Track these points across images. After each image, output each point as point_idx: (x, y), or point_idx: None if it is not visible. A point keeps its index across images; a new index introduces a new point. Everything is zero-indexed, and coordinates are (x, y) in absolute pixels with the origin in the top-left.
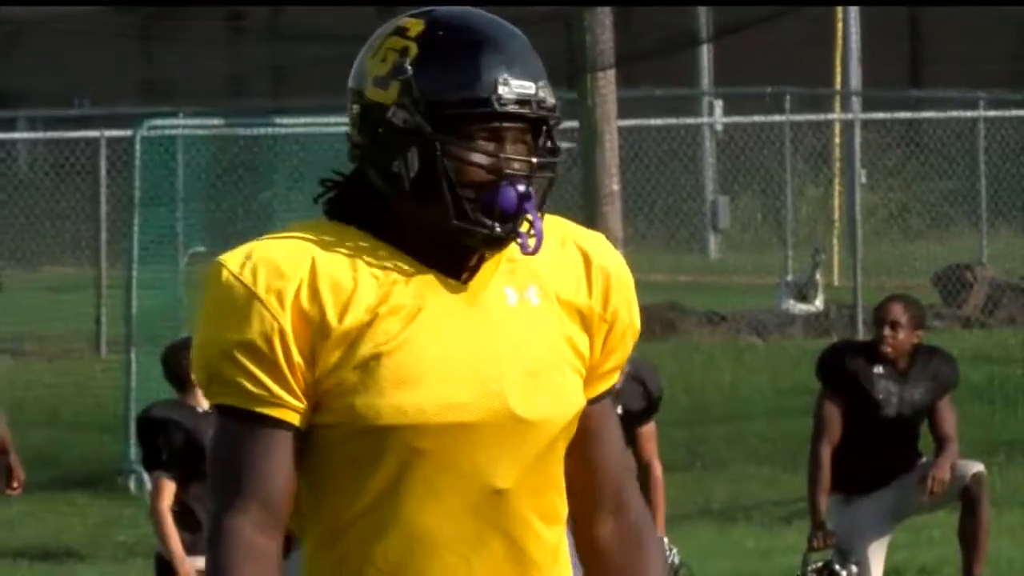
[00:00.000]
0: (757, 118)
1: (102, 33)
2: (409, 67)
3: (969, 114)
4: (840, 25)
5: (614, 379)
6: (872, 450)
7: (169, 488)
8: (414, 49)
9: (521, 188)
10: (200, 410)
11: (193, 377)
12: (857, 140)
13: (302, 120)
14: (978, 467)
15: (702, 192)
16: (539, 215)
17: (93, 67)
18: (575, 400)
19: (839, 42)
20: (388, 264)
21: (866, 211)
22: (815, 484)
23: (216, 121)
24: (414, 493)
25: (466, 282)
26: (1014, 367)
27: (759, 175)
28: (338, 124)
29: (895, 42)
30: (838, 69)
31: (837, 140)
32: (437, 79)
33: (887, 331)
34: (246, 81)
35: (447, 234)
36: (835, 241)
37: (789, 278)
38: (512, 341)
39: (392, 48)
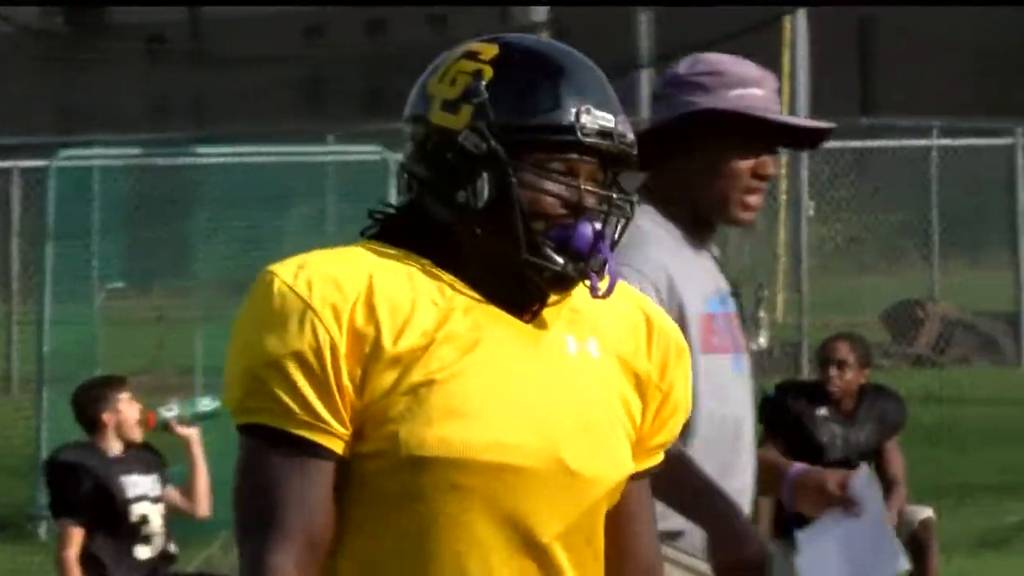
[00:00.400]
0: None
1: (16, 59)
2: (484, 89)
3: (922, 143)
4: (787, 51)
5: (658, 458)
6: None
7: (76, 535)
8: (489, 72)
9: (598, 226)
10: (111, 455)
11: (225, 396)
12: (804, 170)
13: (225, 150)
14: (927, 512)
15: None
16: (613, 257)
17: (5, 94)
18: (626, 463)
19: (786, 68)
20: (448, 290)
21: (813, 244)
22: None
23: (134, 151)
24: (453, 534)
25: (528, 322)
26: (965, 408)
27: None
28: (264, 154)
29: (845, 68)
30: (785, 96)
31: (784, 170)
32: (515, 103)
33: (833, 371)
34: (167, 109)
35: (514, 269)
36: (780, 276)
37: None
38: (570, 391)
39: (463, 71)
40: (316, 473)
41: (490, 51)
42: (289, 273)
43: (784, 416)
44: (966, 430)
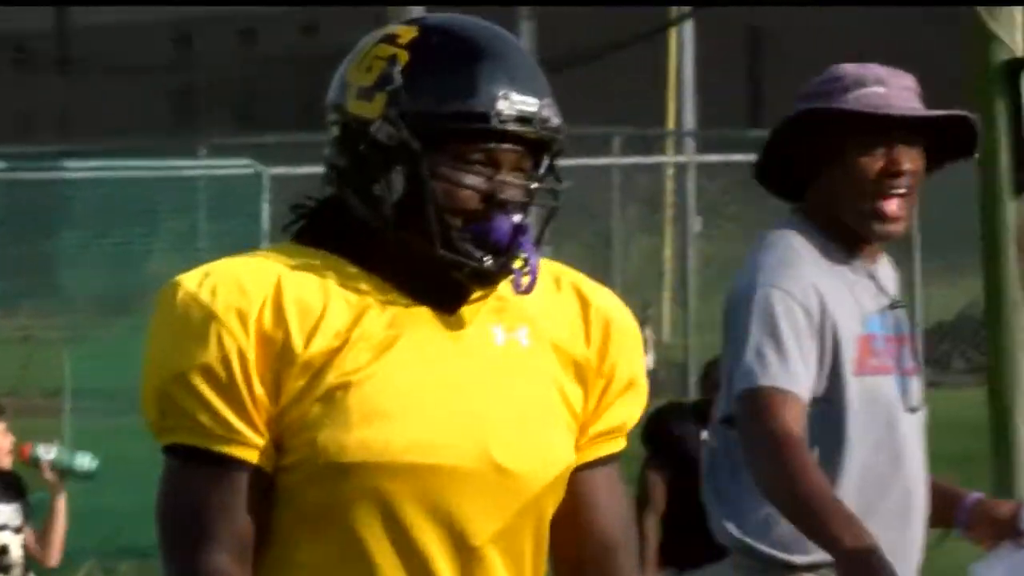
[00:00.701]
0: (583, 160)
1: None
2: (398, 76)
3: None
4: (674, 61)
5: (613, 446)
6: (702, 522)
7: None
8: (404, 57)
9: (516, 218)
10: None
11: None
12: (691, 184)
13: (93, 164)
14: None
15: None
16: (535, 250)
17: None
18: (563, 456)
19: (672, 79)
20: (363, 288)
21: (700, 262)
22: (641, 560)
23: None
24: (382, 543)
25: (450, 315)
26: None
27: (584, 222)
28: (133, 168)
29: (733, 79)
30: (671, 108)
31: (670, 185)
32: (429, 90)
33: None
34: (32, 121)
35: (433, 265)
36: (665, 294)
37: None
38: (497, 384)
39: (379, 56)
40: (237, 485)
41: (408, 34)
42: (193, 282)
43: (667, 439)
44: None
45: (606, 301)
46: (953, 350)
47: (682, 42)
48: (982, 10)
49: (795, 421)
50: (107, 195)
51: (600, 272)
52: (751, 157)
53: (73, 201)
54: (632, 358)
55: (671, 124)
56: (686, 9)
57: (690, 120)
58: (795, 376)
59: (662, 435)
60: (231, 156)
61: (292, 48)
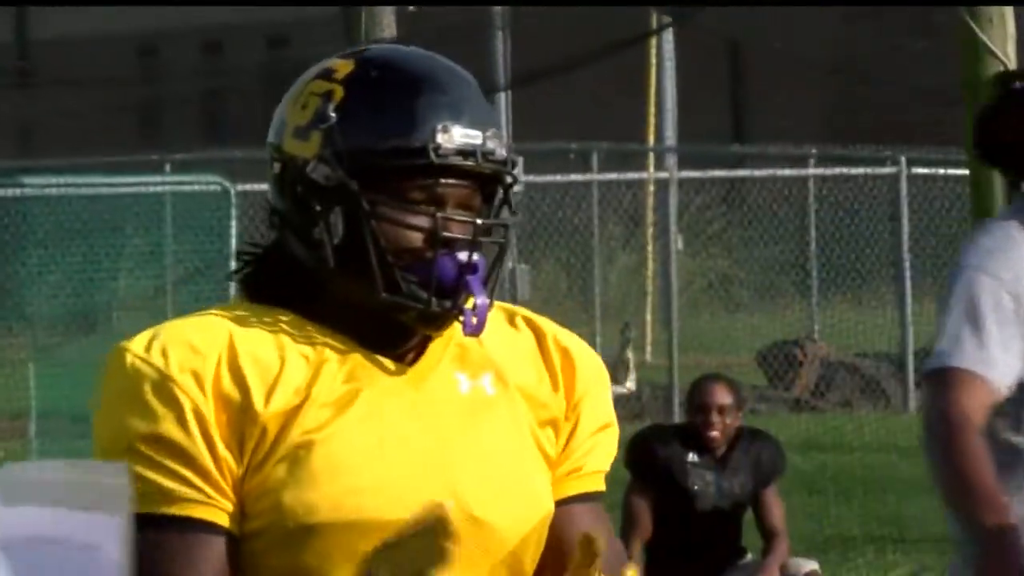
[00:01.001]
0: (561, 177)
1: None
2: (332, 113)
3: (798, 172)
4: (654, 73)
5: (592, 484)
6: (688, 547)
7: None
8: (339, 92)
9: (462, 257)
10: None
11: None
12: (673, 201)
13: (55, 180)
14: (811, 566)
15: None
16: (484, 290)
17: None
18: (542, 503)
19: (653, 92)
20: (317, 341)
21: (683, 280)
22: None
23: None
24: None
25: (410, 364)
26: (849, 455)
27: (563, 240)
28: (97, 184)
29: (715, 93)
30: (652, 122)
31: (651, 201)
32: (365, 126)
33: (714, 417)
34: None
35: (377, 309)
36: (648, 314)
37: None
38: (465, 433)
39: (315, 93)
40: (205, 548)
41: (345, 68)
42: (140, 346)
43: (652, 463)
44: (849, 480)
45: (572, 343)
46: None
47: (662, 54)
48: (972, 22)
49: (976, 405)
50: (71, 212)
51: (580, 292)
52: (734, 173)
53: (35, 219)
54: (597, 393)
55: (651, 139)
56: (666, 19)
57: (671, 135)
58: (991, 361)
59: (646, 459)
60: (198, 172)
61: (260, 61)
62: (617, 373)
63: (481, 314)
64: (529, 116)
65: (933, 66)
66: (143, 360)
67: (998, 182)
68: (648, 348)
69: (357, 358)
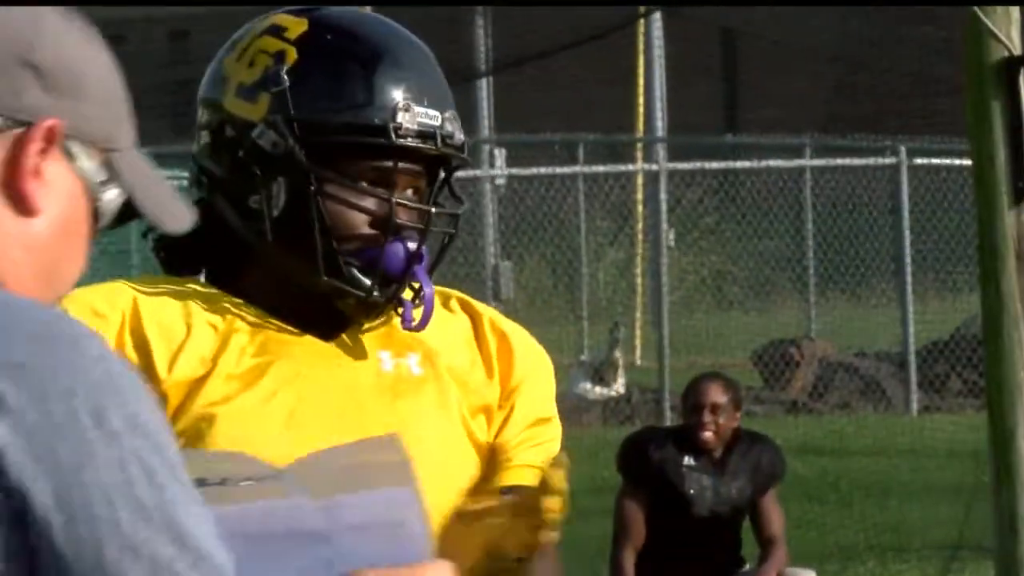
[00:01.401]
0: (545, 169)
1: None
2: (285, 76)
3: (794, 163)
4: (642, 61)
5: (519, 477)
6: (683, 555)
7: None
8: (292, 54)
9: (412, 245)
10: None
11: None
12: (663, 194)
13: None
14: (809, 575)
15: (482, 256)
16: (429, 280)
17: None
18: (462, 488)
19: (641, 80)
20: (230, 311)
21: (674, 278)
22: None
23: None
24: None
25: (328, 340)
26: (849, 459)
27: (548, 236)
28: None
29: (707, 81)
30: (640, 112)
31: (640, 195)
32: (320, 96)
33: (707, 416)
34: None
35: (313, 291)
36: (638, 313)
37: (584, 357)
38: (385, 411)
39: (264, 50)
40: None
41: (298, 27)
42: None
43: (645, 467)
44: (849, 485)
45: (501, 319)
46: (949, 371)
47: (651, 40)
48: (976, 6)
49: None
50: None
51: (566, 290)
52: (727, 164)
53: None
54: (536, 381)
55: (640, 129)
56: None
57: (660, 125)
58: None
59: (639, 461)
60: (166, 166)
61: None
62: (606, 375)
63: (428, 306)
64: (511, 105)
65: (935, 52)
66: None
67: (1002, 173)
68: (638, 349)
69: (270, 332)
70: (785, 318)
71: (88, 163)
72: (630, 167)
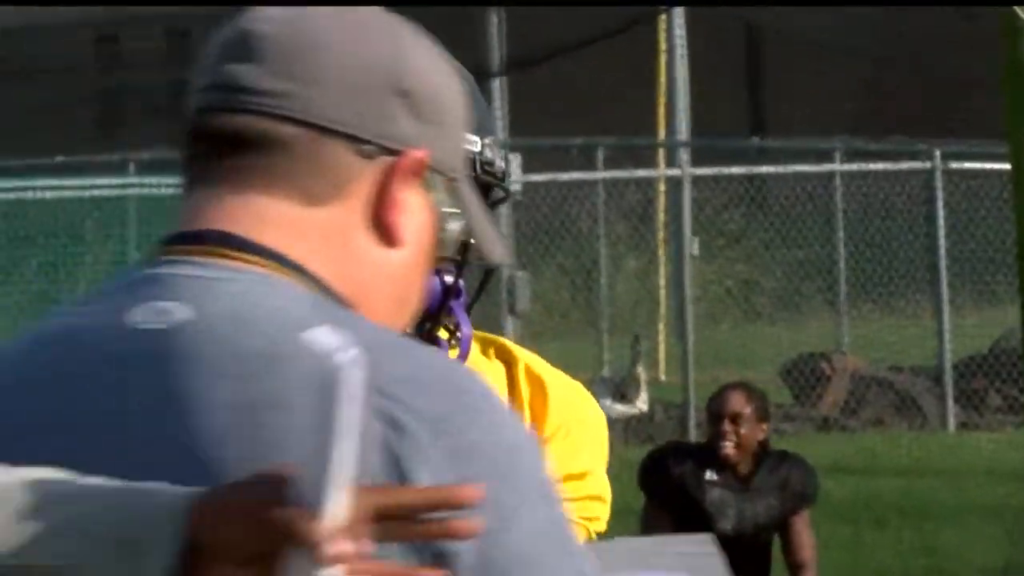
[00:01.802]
0: (563, 175)
1: None
2: None
3: (823, 167)
4: (664, 62)
5: None
6: None
7: None
8: None
9: (448, 279)
10: None
11: None
12: (687, 200)
13: (7, 184)
14: None
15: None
16: (468, 319)
17: None
18: None
19: (663, 81)
20: None
21: (698, 288)
22: None
23: None
24: None
25: None
26: (884, 478)
27: (566, 245)
28: (54, 188)
29: (732, 81)
30: (662, 114)
31: (662, 201)
32: None
33: (726, 426)
34: None
35: None
36: (661, 326)
37: (605, 373)
38: None
39: None
40: None
41: None
42: None
43: (666, 482)
44: (883, 505)
45: (538, 364)
46: (988, 386)
47: (672, 39)
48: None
49: None
50: (24, 218)
51: (584, 301)
52: (753, 169)
53: None
54: (572, 436)
55: (662, 133)
56: None
57: (683, 128)
58: None
59: (659, 475)
60: (164, 173)
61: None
62: (627, 392)
63: (464, 347)
64: (527, 107)
65: (970, 51)
66: None
67: None
68: (661, 364)
69: None
70: (815, 331)
71: (441, 194)
72: (651, 172)
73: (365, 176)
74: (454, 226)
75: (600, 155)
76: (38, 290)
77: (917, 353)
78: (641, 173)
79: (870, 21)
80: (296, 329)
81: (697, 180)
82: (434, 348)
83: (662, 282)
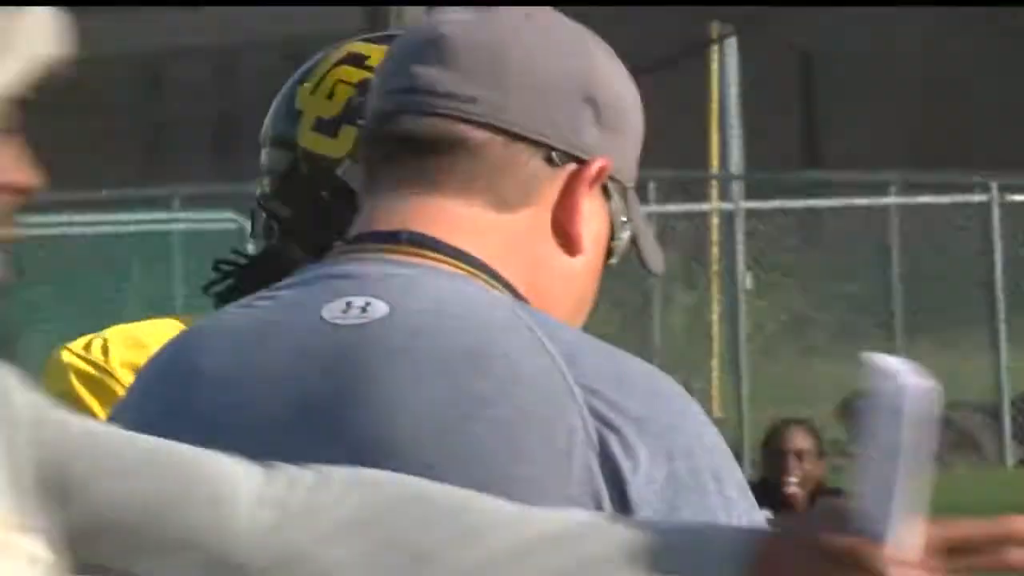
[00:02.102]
0: None
1: None
2: None
3: (878, 201)
4: (716, 92)
5: None
6: None
7: None
8: None
9: None
10: None
11: None
12: (740, 234)
13: (53, 219)
14: None
15: None
16: None
17: None
18: None
19: (714, 111)
20: None
21: (752, 323)
22: None
23: None
24: None
25: None
26: (941, 515)
27: (616, 279)
28: (98, 223)
29: (786, 113)
30: (714, 147)
31: (714, 235)
32: None
33: (792, 462)
34: None
35: None
36: (714, 362)
37: None
38: None
39: (345, 80)
40: None
41: (380, 55)
42: (80, 344)
43: None
44: None
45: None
46: None
47: (724, 68)
48: None
49: None
50: (69, 253)
51: (635, 337)
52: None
53: (30, 260)
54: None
55: (715, 165)
56: (728, 27)
57: (736, 160)
58: None
59: None
60: (210, 208)
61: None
62: None
63: None
64: None
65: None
66: (81, 357)
67: None
68: (714, 400)
69: None
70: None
71: (617, 203)
72: (703, 206)
73: (552, 183)
74: (625, 235)
75: (651, 188)
76: (80, 326)
77: (974, 388)
78: (693, 207)
79: (927, 50)
80: (500, 330)
81: (750, 213)
82: (630, 355)
83: (715, 317)
